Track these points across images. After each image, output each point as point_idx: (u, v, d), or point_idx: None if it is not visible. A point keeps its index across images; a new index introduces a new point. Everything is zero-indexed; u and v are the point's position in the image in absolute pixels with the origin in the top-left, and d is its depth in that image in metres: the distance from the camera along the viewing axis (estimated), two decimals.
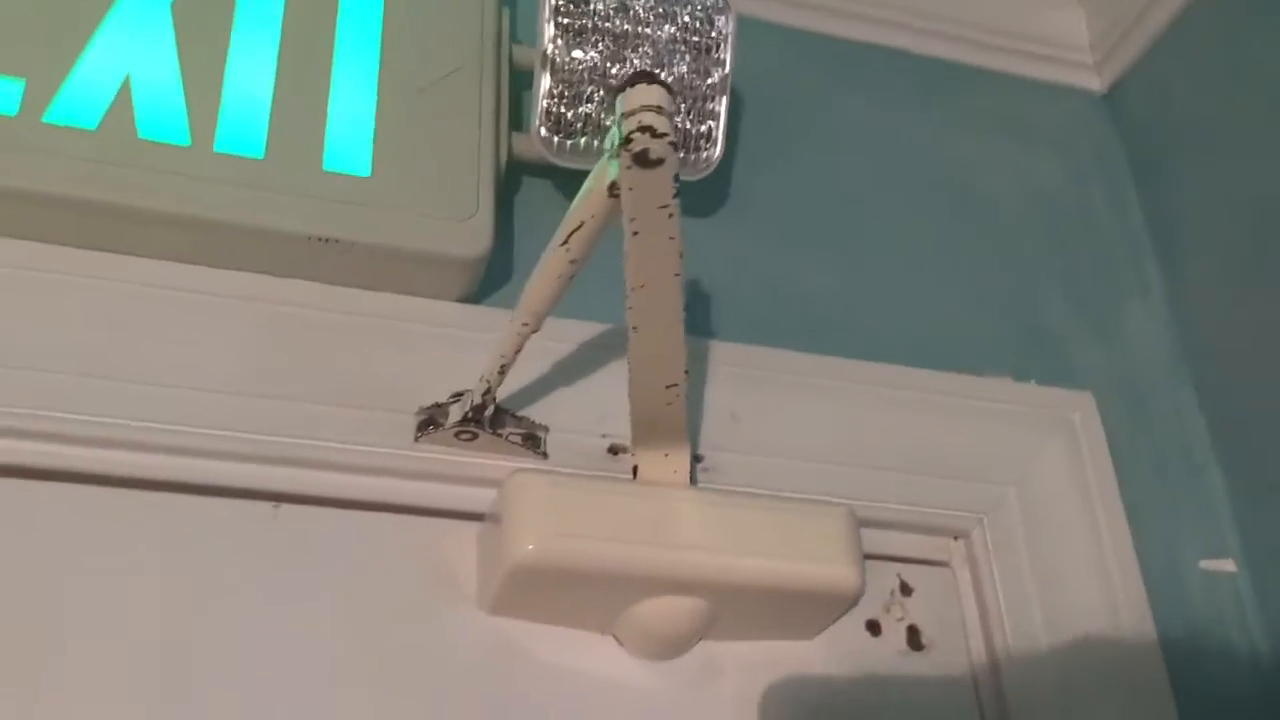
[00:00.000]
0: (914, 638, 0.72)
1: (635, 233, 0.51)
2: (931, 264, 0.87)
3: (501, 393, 0.68)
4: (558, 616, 0.65)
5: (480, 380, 0.63)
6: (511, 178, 0.77)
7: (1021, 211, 0.92)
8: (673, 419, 0.64)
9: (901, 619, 0.72)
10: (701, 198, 0.82)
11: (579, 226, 0.52)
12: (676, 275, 0.53)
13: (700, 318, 0.78)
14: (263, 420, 0.65)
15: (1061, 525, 0.76)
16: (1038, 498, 0.77)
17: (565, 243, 0.53)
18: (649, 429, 0.64)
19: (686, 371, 0.61)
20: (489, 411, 0.66)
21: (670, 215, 0.50)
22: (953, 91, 0.96)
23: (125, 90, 0.67)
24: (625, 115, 0.47)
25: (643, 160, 0.47)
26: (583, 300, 0.69)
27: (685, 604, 0.63)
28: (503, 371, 0.62)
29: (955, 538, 0.76)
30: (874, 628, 0.72)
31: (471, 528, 0.67)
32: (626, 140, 0.46)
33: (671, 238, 0.51)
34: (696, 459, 0.72)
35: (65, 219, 0.64)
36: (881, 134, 0.91)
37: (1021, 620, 0.73)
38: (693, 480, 0.69)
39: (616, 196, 0.50)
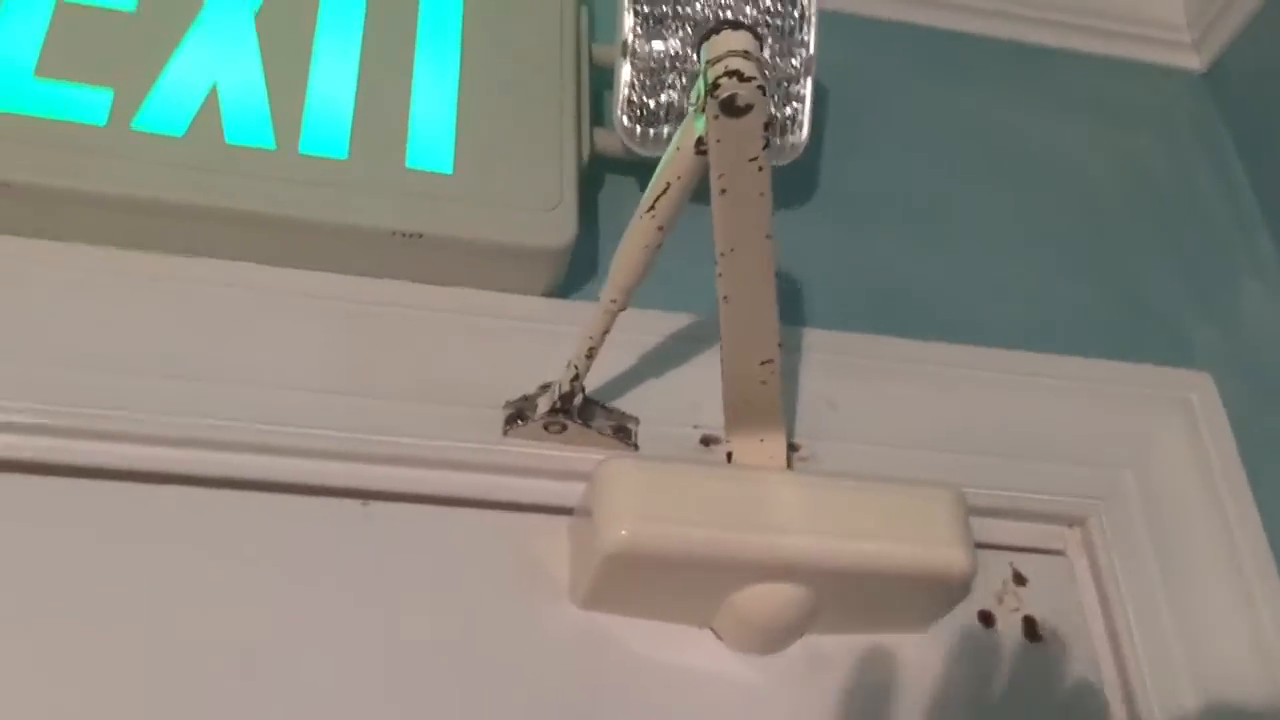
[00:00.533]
0: (1031, 629, 0.68)
1: (724, 190, 0.49)
2: (1031, 248, 0.84)
3: (591, 385, 0.67)
4: (653, 609, 0.63)
5: (568, 367, 0.62)
6: (594, 174, 0.76)
7: (1123, 193, 0.89)
8: (767, 400, 0.61)
9: (1016, 609, 0.69)
10: (789, 187, 0.81)
11: (665, 189, 0.50)
12: (768, 237, 0.51)
13: (792, 306, 0.76)
14: (350, 418, 0.64)
15: (1184, 510, 0.72)
16: (1157, 482, 0.73)
17: (652, 209, 0.51)
18: (743, 411, 0.62)
19: (781, 346, 0.59)
20: (578, 401, 0.64)
21: (760, 169, 0.48)
22: (1042, 76, 0.93)
23: (212, 97, 0.67)
24: (711, 62, 0.45)
25: (730, 107, 0.45)
26: (673, 291, 0.68)
27: (787, 591, 0.60)
28: (590, 355, 0.60)
29: (1070, 525, 0.73)
30: (987, 619, 0.68)
31: (563, 522, 0.65)
32: (713, 87, 0.45)
33: (762, 194, 0.49)
34: (793, 448, 0.69)
35: (154, 223, 0.65)
36: (969, 120, 0.89)
37: (1146, 610, 0.69)
38: (790, 468, 0.66)
39: (704, 153, 0.48)
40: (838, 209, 0.82)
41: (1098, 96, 0.93)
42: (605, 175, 0.78)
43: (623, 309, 0.58)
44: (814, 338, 0.74)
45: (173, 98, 0.67)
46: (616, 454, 0.64)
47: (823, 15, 0.78)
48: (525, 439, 0.66)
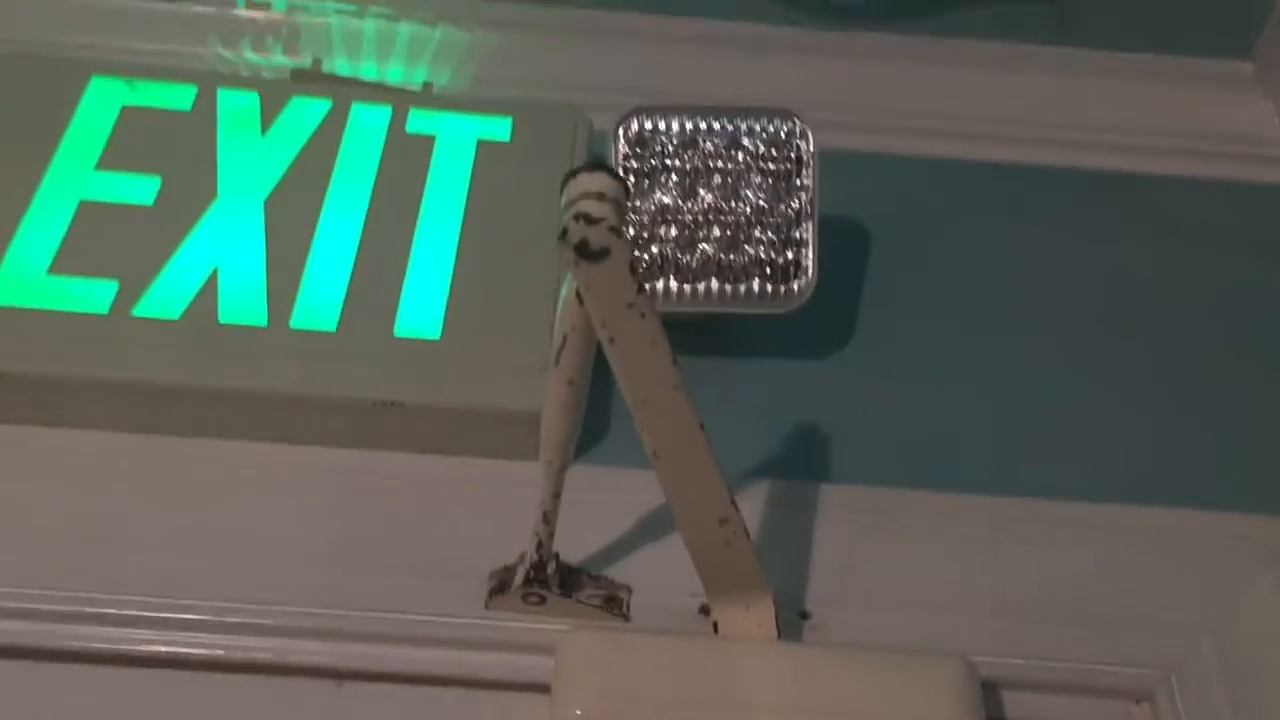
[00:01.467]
0: None
1: (611, 339, 0.46)
2: (1096, 387, 0.77)
3: (581, 552, 0.64)
4: None
5: (532, 536, 0.59)
6: None
7: (1207, 318, 0.80)
8: (740, 563, 0.56)
9: None
10: (815, 336, 0.76)
11: (563, 342, 0.48)
12: (676, 387, 0.47)
13: (807, 460, 0.71)
14: (327, 594, 0.63)
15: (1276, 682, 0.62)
16: (1243, 648, 0.63)
17: (557, 361, 0.48)
18: (717, 578, 0.57)
19: (735, 505, 0.54)
20: (551, 570, 0.61)
21: (643, 315, 0.45)
22: (1115, 201, 0.87)
23: (212, 280, 0.69)
24: (565, 207, 0.43)
25: (584, 252, 0.43)
26: None
27: None
28: (547, 520, 0.57)
29: (1138, 700, 0.63)
30: None
31: (543, 700, 0.61)
32: (563, 232, 0.42)
33: (654, 343, 0.46)
34: (803, 615, 0.63)
35: (149, 406, 0.66)
36: (1026, 252, 0.83)
37: None
38: (797, 638, 0.61)
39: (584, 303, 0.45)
40: (868, 356, 0.77)
41: (1181, 218, 0.86)
42: None
43: (563, 468, 0.55)
44: (827, 494, 0.68)
45: (174, 284, 0.69)
46: (585, 625, 0.60)
47: (867, 155, 0.75)
48: (507, 611, 0.63)
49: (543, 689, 0.61)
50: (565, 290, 0.47)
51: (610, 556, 0.65)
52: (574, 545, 0.63)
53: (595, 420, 0.70)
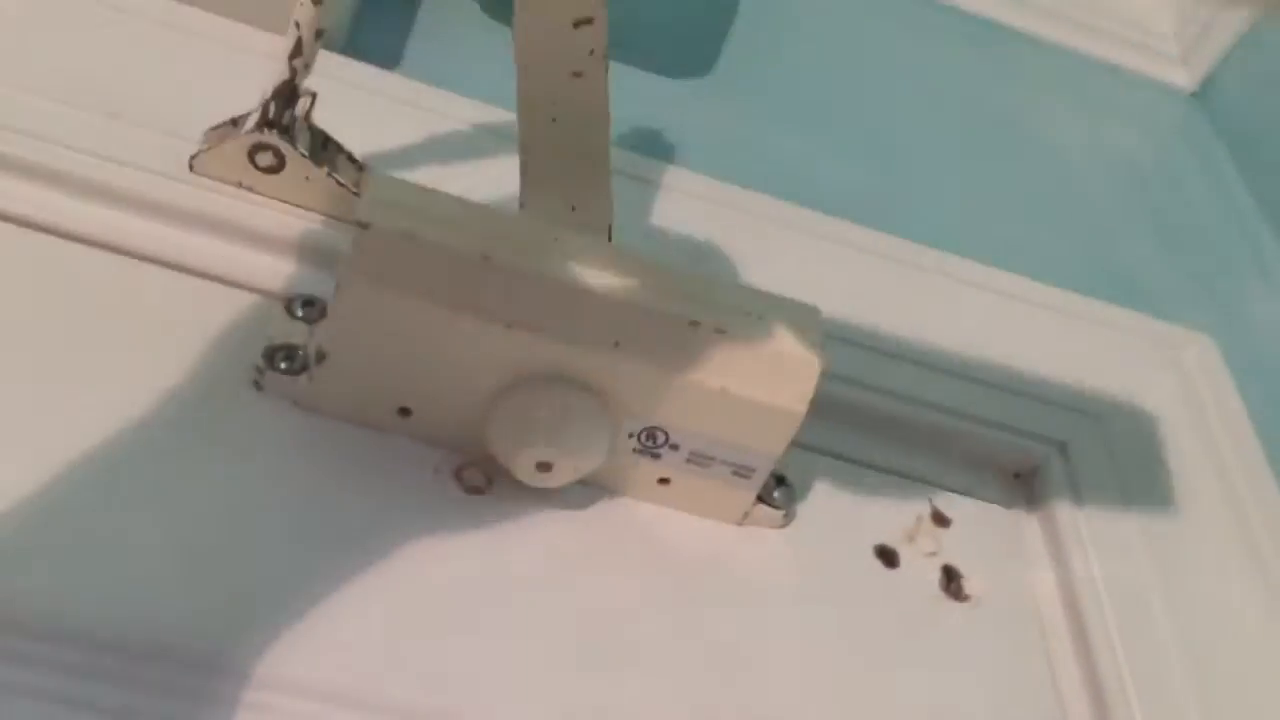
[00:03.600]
0: (952, 582, 0.44)
1: None
2: (985, 187, 0.65)
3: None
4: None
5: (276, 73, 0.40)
6: None
7: (1102, 173, 0.71)
8: (587, 110, 0.39)
9: (933, 554, 0.45)
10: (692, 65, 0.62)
11: None
12: None
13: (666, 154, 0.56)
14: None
15: (1177, 459, 0.50)
16: (1139, 429, 0.51)
17: None
18: (544, 146, 0.40)
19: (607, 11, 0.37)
20: (301, 114, 0.42)
21: None
22: (1013, 56, 0.77)
23: None
24: None
25: None
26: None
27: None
28: (300, 50, 0.39)
29: (1017, 475, 0.50)
30: (888, 556, 0.44)
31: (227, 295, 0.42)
32: None
33: None
34: None
35: None
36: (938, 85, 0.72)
37: (1121, 575, 0.45)
38: None
39: None
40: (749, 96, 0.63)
41: (1075, 87, 0.78)
42: None
43: None
44: (686, 180, 0.53)
45: None
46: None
47: None
48: (217, 176, 0.43)
49: (240, 287, 0.42)
50: None
51: (382, 164, 0.47)
52: None
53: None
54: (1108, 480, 0.49)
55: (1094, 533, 0.47)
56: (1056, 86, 0.77)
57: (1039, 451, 0.50)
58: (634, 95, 0.58)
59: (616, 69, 0.58)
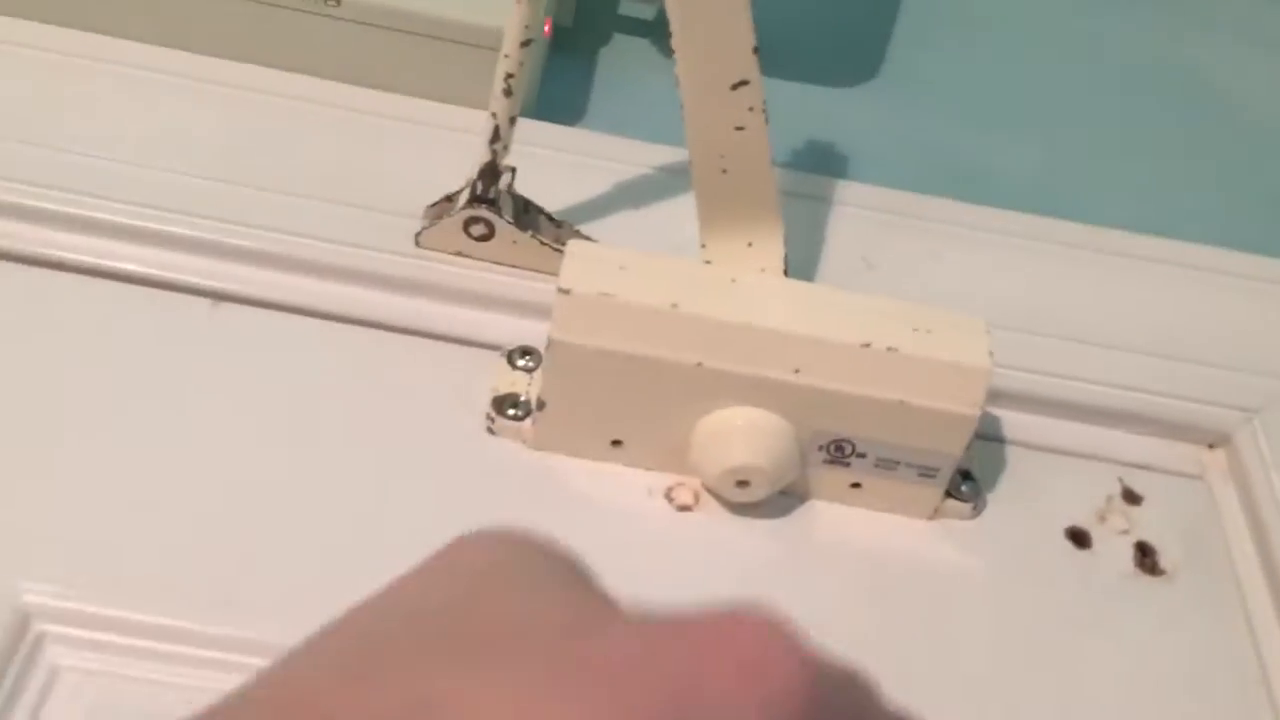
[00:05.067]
0: (1147, 559, 0.46)
1: None
2: (1162, 154, 0.66)
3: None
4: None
5: (479, 156, 0.46)
6: None
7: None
8: (752, 168, 0.44)
9: (1126, 532, 0.47)
10: (841, 65, 0.65)
11: None
12: None
13: (834, 166, 0.59)
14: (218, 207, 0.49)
15: None
16: None
17: None
18: (717, 193, 0.45)
19: (758, 65, 0.41)
20: (505, 186, 0.48)
21: None
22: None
23: None
24: None
25: None
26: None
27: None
28: (499, 136, 0.45)
29: (1211, 445, 0.51)
30: (1079, 538, 0.46)
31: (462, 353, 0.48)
32: None
33: None
34: None
35: None
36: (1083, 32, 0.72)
37: None
38: None
39: None
40: (902, 89, 0.65)
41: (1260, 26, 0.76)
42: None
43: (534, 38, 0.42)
44: (854, 192, 0.56)
45: None
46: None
47: None
48: (440, 249, 0.49)
49: (467, 344, 0.48)
50: None
51: (577, 216, 0.52)
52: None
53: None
54: None
55: None
56: (1245, 36, 0.75)
57: (1232, 419, 0.51)
58: (801, 110, 0.62)
59: (780, 85, 0.62)
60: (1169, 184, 0.64)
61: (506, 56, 0.44)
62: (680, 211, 0.48)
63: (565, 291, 0.41)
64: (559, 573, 0.20)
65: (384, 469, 0.44)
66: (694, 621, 0.18)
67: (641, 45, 0.64)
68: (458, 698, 0.17)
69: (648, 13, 0.65)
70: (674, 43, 0.42)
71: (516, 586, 0.20)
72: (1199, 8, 0.75)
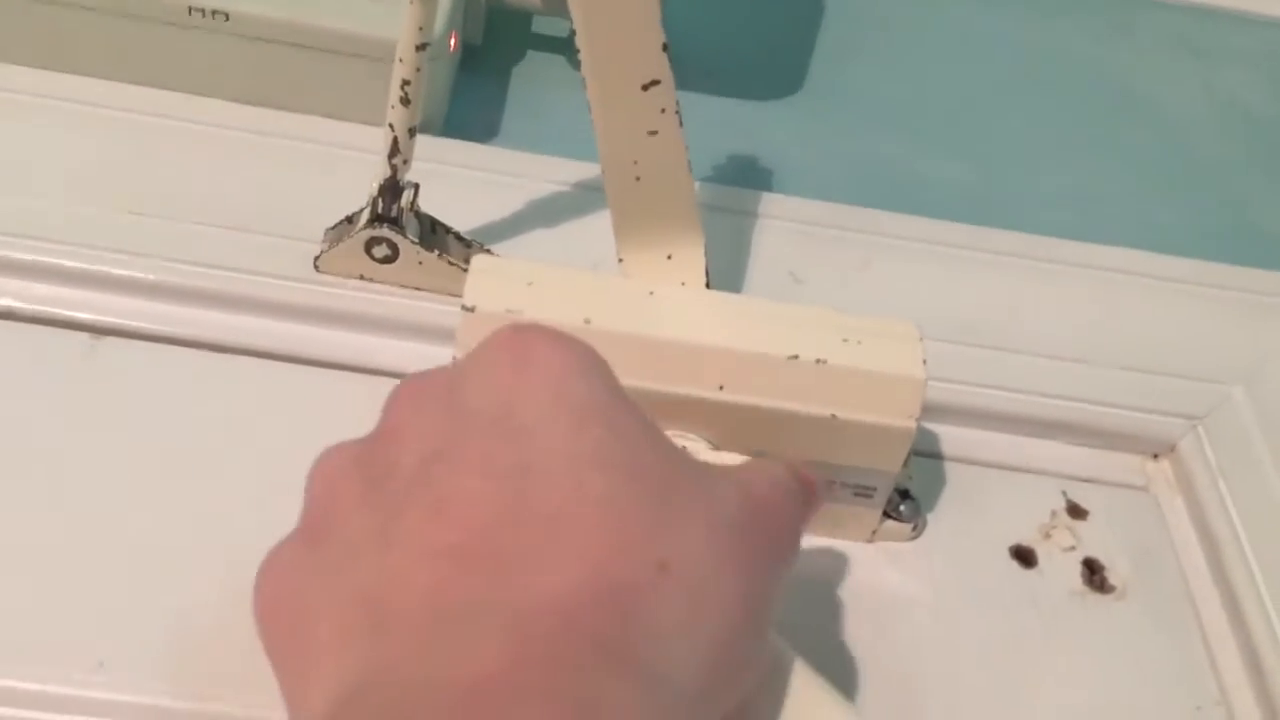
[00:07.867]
0: (1095, 576, 0.44)
1: None
2: (1089, 158, 0.64)
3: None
4: None
5: (377, 173, 0.43)
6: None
7: (1223, 128, 0.69)
8: (668, 173, 0.41)
9: (1072, 549, 0.45)
10: (762, 82, 0.63)
11: None
12: None
13: (760, 180, 0.57)
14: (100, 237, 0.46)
15: None
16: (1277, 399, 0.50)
17: None
18: (632, 202, 0.42)
19: (669, 66, 0.39)
20: (407, 203, 0.45)
21: None
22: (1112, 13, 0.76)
23: None
24: None
25: None
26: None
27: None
28: (399, 149, 0.42)
29: (1155, 456, 0.49)
30: (1024, 556, 0.44)
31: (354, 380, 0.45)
32: None
33: None
34: None
35: None
36: (1008, 40, 0.71)
37: (1273, 549, 0.44)
38: None
39: None
40: (826, 103, 0.63)
41: (1181, 39, 0.75)
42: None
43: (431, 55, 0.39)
44: (780, 205, 0.54)
45: None
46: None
47: None
48: (340, 274, 0.46)
49: (372, 372, 0.45)
50: None
51: (490, 236, 0.50)
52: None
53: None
54: (1252, 451, 0.47)
55: (1242, 508, 0.46)
56: (1166, 43, 0.75)
57: (1175, 428, 0.49)
58: (724, 124, 0.60)
59: (703, 100, 0.60)
60: (1098, 191, 0.63)
61: (401, 62, 0.41)
62: (599, 228, 0.46)
63: (469, 309, 0.38)
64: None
65: (286, 511, 0.40)
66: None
67: (556, 62, 0.62)
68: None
69: (561, 29, 0.62)
70: (579, 40, 0.39)
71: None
72: (1122, 16, 0.74)
